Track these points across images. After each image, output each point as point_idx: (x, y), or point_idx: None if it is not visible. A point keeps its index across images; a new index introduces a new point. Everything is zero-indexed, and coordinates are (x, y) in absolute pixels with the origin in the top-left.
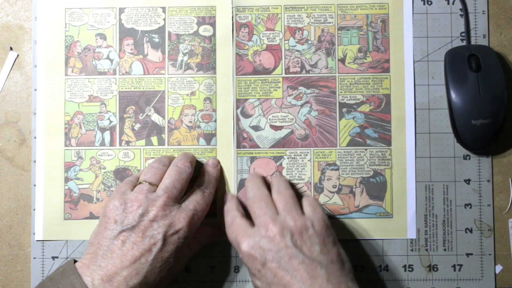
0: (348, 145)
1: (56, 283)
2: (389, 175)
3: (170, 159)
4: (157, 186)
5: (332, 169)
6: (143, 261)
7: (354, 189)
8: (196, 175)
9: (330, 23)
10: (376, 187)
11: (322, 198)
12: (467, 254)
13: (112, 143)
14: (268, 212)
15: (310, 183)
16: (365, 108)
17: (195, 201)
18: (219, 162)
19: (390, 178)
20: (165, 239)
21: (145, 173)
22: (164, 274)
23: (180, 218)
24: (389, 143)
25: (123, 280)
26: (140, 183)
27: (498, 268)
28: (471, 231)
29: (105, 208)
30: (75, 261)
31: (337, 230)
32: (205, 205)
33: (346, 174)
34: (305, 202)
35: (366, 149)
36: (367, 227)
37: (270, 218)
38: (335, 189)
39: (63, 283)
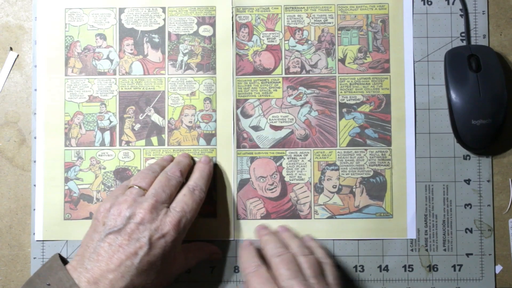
0: (348, 145)
1: (44, 279)
2: (389, 175)
3: (162, 167)
4: (146, 190)
5: (332, 169)
6: (129, 264)
7: (354, 189)
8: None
9: (330, 23)
10: (376, 187)
11: (322, 198)
12: (467, 254)
13: (112, 143)
14: (298, 277)
15: (310, 183)
16: (365, 108)
17: (183, 201)
18: (211, 160)
19: (390, 178)
20: (151, 243)
21: (135, 177)
22: (152, 278)
23: (166, 221)
24: (389, 143)
25: (109, 283)
26: (131, 187)
27: (498, 268)
28: (471, 231)
29: (96, 211)
30: (60, 256)
31: (337, 230)
32: (194, 205)
33: (346, 174)
34: (328, 270)
35: (366, 149)
36: (367, 227)
37: (302, 285)
38: (335, 189)
39: (50, 279)
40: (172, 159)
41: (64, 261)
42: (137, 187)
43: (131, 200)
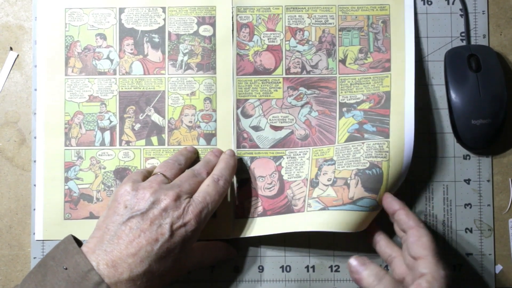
0: (346, 141)
1: (59, 262)
2: (386, 167)
3: (187, 159)
4: (170, 180)
5: (328, 164)
6: (149, 249)
7: (349, 181)
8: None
9: (331, 24)
10: (371, 179)
11: (317, 192)
12: (467, 254)
13: (112, 143)
14: None
15: (307, 179)
16: (365, 105)
17: (206, 192)
18: (235, 153)
19: (387, 170)
20: (172, 230)
21: (161, 166)
22: (169, 266)
23: (189, 211)
24: (387, 136)
25: (128, 267)
26: (155, 174)
27: (498, 268)
28: (471, 231)
29: (115, 193)
30: (74, 238)
31: (329, 222)
32: (217, 196)
33: (342, 167)
34: None
35: (363, 142)
36: (360, 219)
37: None
38: (330, 182)
39: (67, 262)
40: (196, 151)
41: (78, 243)
42: (162, 175)
43: (156, 186)
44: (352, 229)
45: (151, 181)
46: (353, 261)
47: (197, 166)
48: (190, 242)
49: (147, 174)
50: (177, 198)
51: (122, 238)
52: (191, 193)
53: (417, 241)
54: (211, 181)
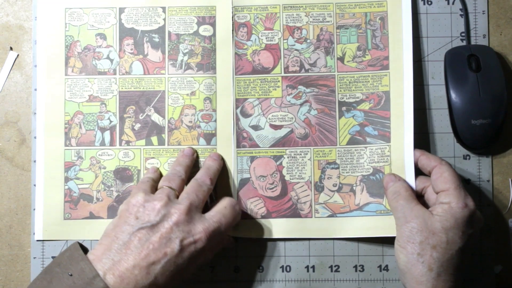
0: (348, 143)
1: (65, 268)
2: (388, 171)
3: (185, 167)
4: (177, 192)
5: (332, 168)
6: (156, 262)
7: (354, 188)
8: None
9: (328, 22)
10: (376, 184)
11: (323, 197)
12: None
13: (112, 143)
14: None
15: (311, 182)
16: (365, 106)
17: (222, 214)
18: None
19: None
20: (182, 246)
21: (163, 180)
22: (174, 279)
23: (200, 228)
24: (388, 140)
25: (134, 278)
26: (161, 187)
27: (498, 268)
28: None
29: (127, 202)
30: (80, 245)
31: (338, 228)
32: (232, 219)
33: (347, 172)
34: None
35: (366, 147)
36: (367, 225)
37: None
38: (336, 188)
39: (72, 269)
40: (193, 152)
41: (84, 250)
42: (168, 188)
43: (166, 198)
44: (361, 234)
45: (161, 193)
46: (386, 176)
47: (199, 175)
48: (197, 259)
49: (154, 184)
50: (188, 211)
51: (130, 249)
52: (200, 206)
53: (439, 177)
54: (229, 204)
